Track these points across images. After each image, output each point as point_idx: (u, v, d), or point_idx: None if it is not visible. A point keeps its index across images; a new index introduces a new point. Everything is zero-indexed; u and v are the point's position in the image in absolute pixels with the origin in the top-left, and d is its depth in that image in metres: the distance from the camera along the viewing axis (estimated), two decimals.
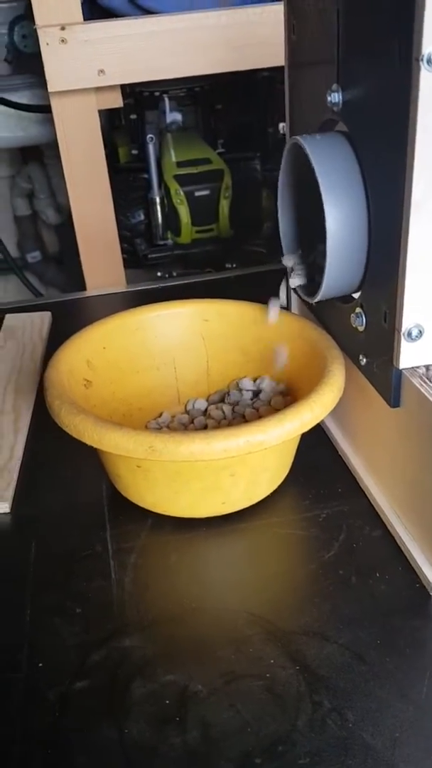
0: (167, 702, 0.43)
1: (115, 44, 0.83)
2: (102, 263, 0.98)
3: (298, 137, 0.51)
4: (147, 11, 0.89)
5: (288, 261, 0.58)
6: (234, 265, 1.18)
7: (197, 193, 1.17)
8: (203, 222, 1.18)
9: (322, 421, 0.65)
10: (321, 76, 0.52)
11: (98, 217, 0.95)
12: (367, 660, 0.45)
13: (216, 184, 1.16)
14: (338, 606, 0.48)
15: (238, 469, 0.52)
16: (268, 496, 0.57)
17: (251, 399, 0.63)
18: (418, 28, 0.38)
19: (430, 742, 0.40)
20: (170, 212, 1.18)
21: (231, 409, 0.62)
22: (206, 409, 0.64)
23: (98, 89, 0.87)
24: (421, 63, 0.39)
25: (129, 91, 1.16)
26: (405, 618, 0.47)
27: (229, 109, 1.25)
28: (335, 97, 0.50)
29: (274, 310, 0.61)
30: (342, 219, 0.48)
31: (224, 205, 1.17)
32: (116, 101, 0.91)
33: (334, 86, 0.50)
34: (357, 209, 0.48)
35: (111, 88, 0.89)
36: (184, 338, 0.65)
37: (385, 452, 0.55)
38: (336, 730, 0.41)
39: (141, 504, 0.56)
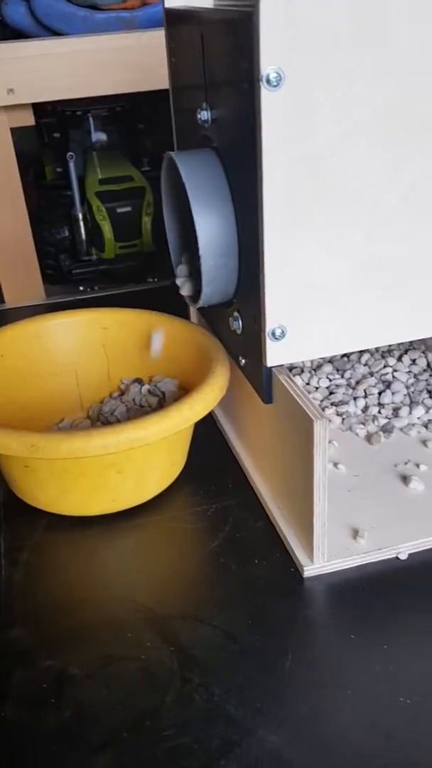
0: (44, 686, 0.45)
1: (24, 64, 0.86)
2: (20, 277, 1.00)
3: (171, 153, 0.54)
4: (55, 33, 0.93)
5: (179, 271, 0.61)
6: (155, 279, 1.21)
7: (119, 210, 1.20)
8: (126, 238, 1.21)
9: (218, 421, 0.68)
10: (195, 96, 0.56)
11: (14, 233, 0.97)
12: (237, 639, 0.47)
13: (138, 201, 1.19)
14: (216, 591, 0.51)
15: (124, 466, 0.55)
16: (161, 493, 0.60)
17: (156, 401, 0.66)
18: (256, 50, 0.42)
19: (288, 710, 0.43)
20: (94, 228, 1.21)
21: (126, 408, 0.64)
22: (106, 412, 0.66)
23: (8, 108, 0.89)
24: (261, 83, 0.42)
25: (50, 109, 1.19)
26: (278, 599, 0.50)
27: (152, 128, 1.29)
28: (204, 115, 0.53)
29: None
30: (211, 230, 0.52)
31: (147, 221, 1.20)
32: (27, 120, 0.94)
33: (204, 105, 0.53)
34: (226, 221, 0.52)
35: (22, 106, 0.92)
36: (84, 345, 0.68)
37: (266, 447, 0.58)
38: (202, 704, 0.43)
39: (35, 504, 0.58)
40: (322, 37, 0.42)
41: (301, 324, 0.50)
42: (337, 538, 0.54)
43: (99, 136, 1.30)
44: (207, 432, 0.67)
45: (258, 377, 0.53)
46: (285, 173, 0.45)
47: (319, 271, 0.49)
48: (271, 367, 0.52)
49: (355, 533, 0.54)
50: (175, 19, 0.59)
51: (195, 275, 0.60)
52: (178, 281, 0.60)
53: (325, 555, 0.52)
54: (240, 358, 0.57)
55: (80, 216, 1.20)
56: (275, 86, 0.42)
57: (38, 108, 1.04)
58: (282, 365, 0.52)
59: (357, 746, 0.41)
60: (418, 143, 0.46)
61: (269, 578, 0.52)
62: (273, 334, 0.50)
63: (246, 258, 0.52)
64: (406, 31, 0.43)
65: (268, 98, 0.43)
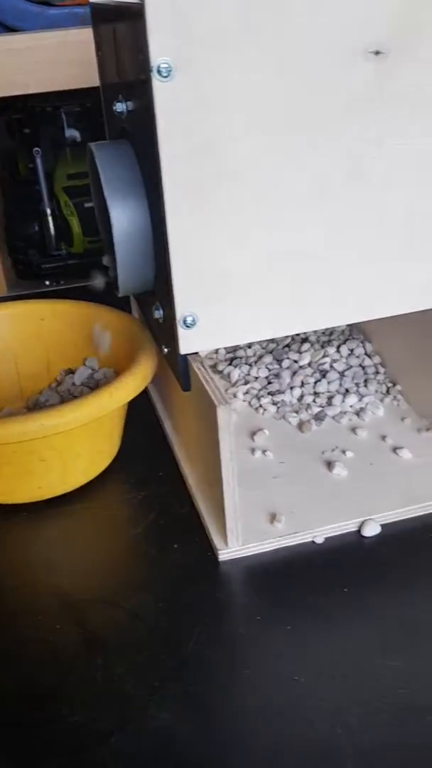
0: None
1: None
2: None
3: (91, 144, 0.55)
4: (10, 29, 0.93)
5: (105, 261, 0.62)
6: None
7: (87, 205, 1.21)
8: (94, 232, 1.22)
9: (157, 410, 0.69)
10: (114, 88, 0.56)
11: None
12: (146, 621, 0.48)
13: None
14: (132, 576, 0.52)
15: (46, 453, 0.56)
16: (93, 481, 0.61)
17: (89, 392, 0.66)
18: (147, 42, 0.42)
19: (183, 688, 0.44)
20: (62, 223, 1.22)
21: (60, 398, 0.65)
22: (42, 402, 0.67)
23: None
24: (152, 74, 0.43)
25: (21, 106, 1.20)
26: (191, 583, 0.51)
27: None
28: (120, 107, 0.54)
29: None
30: (125, 219, 0.52)
31: None
32: None
33: (119, 96, 0.54)
34: (139, 211, 0.52)
35: None
36: (22, 336, 0.69)
37: (190, 435, 0.59)
38: (102, 683, 0.44)
39: None
40: (212, 29, 0.43)
41: (213, 312, 0.51)
42: (255, 522, 0.55)
43: (72, 133, 1.31)
44: (145, 420, 0.68)
45: (176, 365, 0.54)
46: (184, 163, 0.46)
47: (227, 259, 0.49)
48: (185, 355, 0.53)
49: (273, 517, 0.55)
50: (98, 14, 0.60)
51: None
52: (111, 270, 0.61)
53: (239, 539, 0.53)
54: (163, 347, 0.58)
55: (48, 211, 1.21)
56: (166, 77, 0.43)
57: (10, 104, 1.05)
58: (197, 353, 0.53)
59: (246, 723, 0.42)
60: (318, 134, 0.47)
61: (186, 563, 0.53)
62: (184, 321, 0.51)
63: (159, 247, 0.52)
64: (297, 23, 0.44)
65: (160, 89, 0.43)
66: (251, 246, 0.49)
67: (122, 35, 0.51)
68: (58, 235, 1.24)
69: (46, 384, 0.70)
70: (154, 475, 0.62)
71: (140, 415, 0.68)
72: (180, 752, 0.40)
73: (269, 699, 0.43)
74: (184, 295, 0.50)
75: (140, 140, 0.51)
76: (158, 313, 0.57)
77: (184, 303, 0.50)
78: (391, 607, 0.48)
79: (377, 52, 0.46)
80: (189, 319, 0.51)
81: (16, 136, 1.31)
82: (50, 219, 1.23)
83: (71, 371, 0.67)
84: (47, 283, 1.20)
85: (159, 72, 0.43)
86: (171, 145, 0.45)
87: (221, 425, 0.48)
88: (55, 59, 0.89)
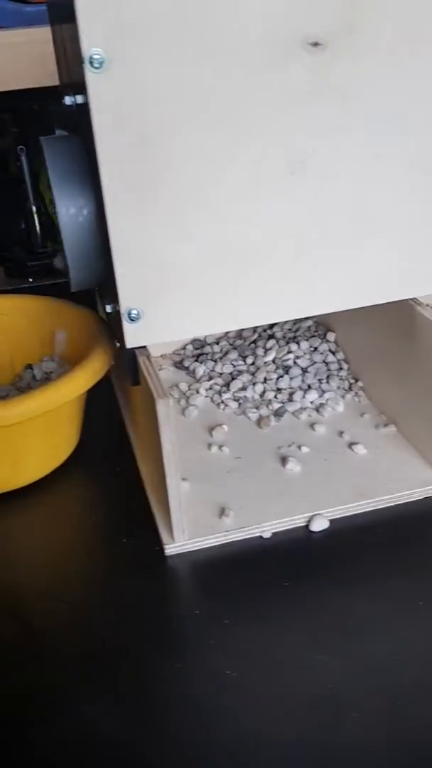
0: None
1: None
2: None
3: (41, 137, 0.55)
4: None
5: (57, 262, 0.62)
6: None
7: None
8: None
9: (120, 405, 0.69)
10: (66, 84, 0.56)
11: None
12: (84, 614, 0.48)
13: None
14: (78, 570, 0.52)
15: None
16: (50, 476, 0.61)
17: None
18: (79, 33, 0.42)
19: (110, 680, 0.44)
20: (48, 221, 1.22)
21: (19, 393, 0.65)
22: (2, 397, 0.67)
23: None
24: (85, 66, 0.43)
25: (9, 104, 1.20)
26: (136, 577, 0.51)
27: None
28: (68, 101, 0.54)
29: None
30: (73, 213, 0.52)
31: None
32: None
33: (69, 90, 0.54)
34: (88, 205, 0.52)
35: None
36: None
37: (143, 429, 0.59)
38: (32, 676, 0.44)
39: None
40: (143, 20, 0.42)
41: (157, 305, 0.51)
42: (205, 517, 0.55)
43: (61, 132, 1.31)
44: (109, 416, 0.68)
45: (126, 360, 0.54)
46: (122, 155, 0.46)
47: (169, 253, 0.49)
48: (133, 349, 0.53)
49: (222, 512, 0.55)
50: (51, 11, 0.60)
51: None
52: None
53: (185, 533, 0.53)
54: (116, 341, 0.58)
55: (34, 209, 1.22)
56: (98, 68, 0.43)
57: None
58: (144, 347, 0.53)
59: (175, 716, 0.41)
60: (256, 127, 0.47)
61: (133, 557, 0.53)
62: (129, 315, 0.51)
63: (106, 241, 0.52)
64: (231, 14, 0.44)
65: (93, 81, 0.43)
66: (193, 240, 0.49)
67: (66, 30, 0.51)
68: (44, 232, 1.24)
69: (10, 380, 0.70)
70: (112, 469, 0.62)
71: (104, 410, 0.68)
72: (108, 745, 0.40)
73: (198, 693, 0.43)
74: (127, 288, 0.50)
75: (87, 134, 0.51)
76: (109, 308, 0.57)
77: (127, 297, 0.50)
78: (329, 603, 0.48)
79: (316, 44, 0.46)
80: (134, 313, 0.51)
81: (5, 134, 1.32)
82: (36, 217, 1.23)
83: (31, 367, 0.67)
84: (30, 280, 1.20)
85: (91, 63, 0.43)
86: (108, 138, 0.45)
87: (161, 418, 0.48)
88: (33, 57, 0.89)
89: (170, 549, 0.53)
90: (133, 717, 0.42)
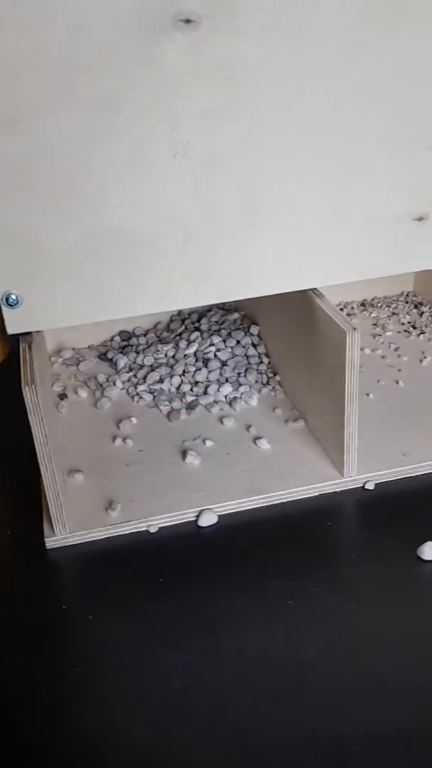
0: None
1: None
2: None
3: None
4: None
5: None
6: None
7: None
8: None
9: None
10: None
11: None
12: None
13: None
14: None
15: None
16: None
17: None
18: None
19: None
20: None
21: None
22: None
23: None
24: None
25: None
26: (13, 570, 0.50)
27: None
28: None
29: None
30: None
31: None
32: None
33: None
34: None
35: None
36: None
37: None
38: None
39: None
40: None
41: (37, 291, 0.49)
42: (93, 510, 0.53)
43: None
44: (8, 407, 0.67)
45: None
46: None
47: (47, 237, 0.48)
48: (12, 335, 0.51)
49: (110, 505, 0.53)
50: None
51: None
52: None
53: (66, 527, 0.51)
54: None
55: None
56: None
57: None
58: (29, 333, 0.52)
59: (20, 713, 0.40)
60: (130, 106, 0.45)
61: (14, 550, 0.52)
62: (6, 300, 0.49)
63: None
64: None
65: None
66: (73, 224, 0.48)
67: None
68: None
69: None
70: (14, 462, 0.61)
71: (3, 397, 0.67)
72: None
73: (46, 690, 0.41)
74: (1, 272, 0.48)
75: None
76: None
77: (2, 280, 0.49)
78: (197, 601, 0.46)
79: (188, 21, 0.44)
80: (11, 298, 0.49)
81: None
82: None
83: None
84: None
85: None
86: None
87: (29, 408, 0.47)
88: None
89: (51, 542, 0.51)
90: None
